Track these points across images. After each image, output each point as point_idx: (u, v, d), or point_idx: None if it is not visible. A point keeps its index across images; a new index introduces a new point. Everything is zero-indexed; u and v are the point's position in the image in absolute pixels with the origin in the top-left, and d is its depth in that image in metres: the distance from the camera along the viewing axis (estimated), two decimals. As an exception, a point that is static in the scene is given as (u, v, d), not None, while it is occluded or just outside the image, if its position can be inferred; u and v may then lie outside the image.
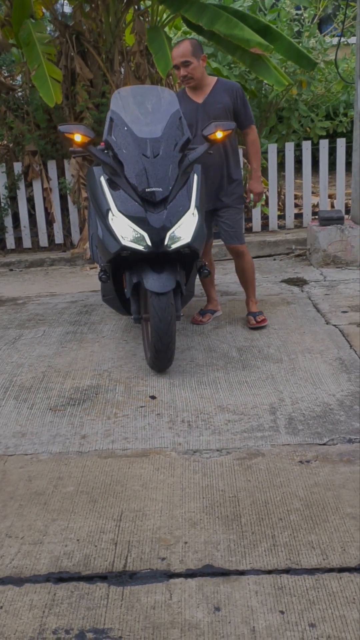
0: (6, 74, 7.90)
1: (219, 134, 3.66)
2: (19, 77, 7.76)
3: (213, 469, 2.75)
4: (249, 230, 6.89)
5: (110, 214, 3.57)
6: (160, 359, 3.62)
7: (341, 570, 2.15)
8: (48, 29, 7.74)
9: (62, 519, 2.47)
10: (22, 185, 6.77)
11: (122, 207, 3.54)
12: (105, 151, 3.76)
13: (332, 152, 7.25)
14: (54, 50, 6.33)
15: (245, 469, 2.74)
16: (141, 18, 6.91)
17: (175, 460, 2.83)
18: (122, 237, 3.53)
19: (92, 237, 4.36)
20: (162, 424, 3.15)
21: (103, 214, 3.61)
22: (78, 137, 3.57)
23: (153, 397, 3.44)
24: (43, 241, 6.91)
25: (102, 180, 3.67)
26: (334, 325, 4.37)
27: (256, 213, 6.89)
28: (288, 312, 4.73)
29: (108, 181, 3.65)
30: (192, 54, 3.98)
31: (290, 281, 5.53)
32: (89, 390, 3.58)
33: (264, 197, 4.37)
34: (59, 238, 6.90)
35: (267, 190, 6.71)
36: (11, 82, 7.76)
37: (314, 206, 7.28)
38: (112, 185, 3.63)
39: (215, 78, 4.19)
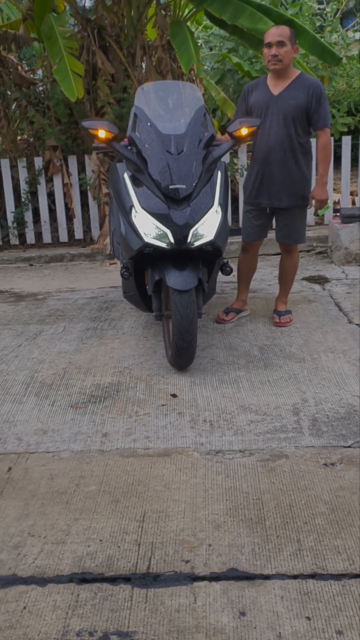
0: (27, 68, 7.88)
1: (244, 131, 3.62)
2: (39, 72, 7.76)
3: (236, 471, 2.72)
4: (270, 227, 6.84)
5: (133, 211, 3.54)
6: (182, 356, 3.59)
7: (368, 576, 2.12)
8: (70, 23, 7.71)
9: (84, 519, 2.46)
10: (42, 180, 6.77)
11: (145, 203, 3.51)
12: (129, 147, 3.73)
13: (354, 148, 7.18)
14: (75, 44, 6.31)
15: (268, 471, 2.71)
16: (163, 12, 6.86)
17: (197, 460, 2.81)
18: (145, 234, 3.50)
19: (113, 233, 4.34)
20: (183, 423, 3.12)
21: (126, 211, 3.59)
22: (102, 133, 3.54)
23: (174, 396, 3.42)
24: (63, 236, 6.91)
25: (126, 176, 3.64)
26: (357, 325, 4.32)
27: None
28: (310, 310, 4.68)
29: (131, 178, 3.63)
30: (288, 38, 3.91)
31: (311, 279, 5.48)
32: (110, 387, 3.56)
33: (329, 205, 4.21)
34: (78, 233, 6.89)
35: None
36: (32, 76, 7.76)
37: (336, 203, 7.21)
38: (136, 181, 3.60)
39: (298, 72, 4.05)
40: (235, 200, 7.02)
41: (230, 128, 3.64)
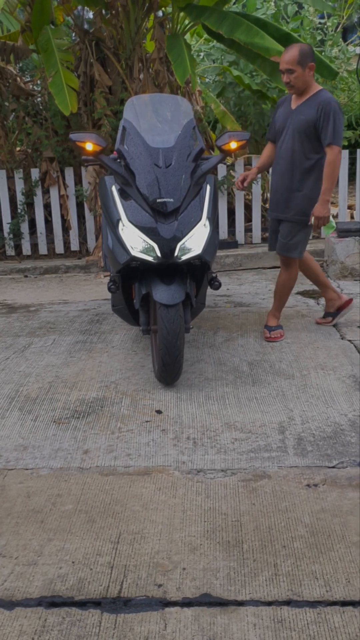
0: (27, 80, 7.90)
1: (233, 145, 3.59)
2: (39, 82, 7.77)
3: (217, 491, 2.66)
4: (263, 238, 6.80)
5: (120, 224, 3.51)
6: (168, 372, 3.54)
7: (344, 604, 2.05)
8: (71, 35, 7.73)
9: (58, 539, 2.40)
10: (39, 191, 6.76)
11: (132, 217, 3.48)
12: (118, 160, 3.71)
13: (353, 162, 7.14)
14: (72, 57, 6.32)
15: (250, 491, 2.65)
16: (162, 25, 6.87)
17: (178, 479, 2.75)
18: (132, 248, 3.47)
19: (103, 246, 4.31)
20: (166, 441, 3.07)
21: (113, 224, 3.56)
22: (89, 146, 3.52)
23: (159, 412, 3.37)
24: (59, 248, 6.89)
25: (114, 189, 3.61)
26: (349, 341, 4.26)
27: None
28: (302, 325, 4.63)
29: (119, 191, 3.60)
30: (297, 62, 3.86)
31: (305, 293, 5.43)
32: (95, 402, 3.51)
33: (333, 224, 4.15)
34: (74, 245, 6.87)
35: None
36: (32, 87, 7.78)
37: (333, 217, 7.16)
38: (124, 195, 3.57)
39: (319, 89, 4.01)
40: (232, 213, 6.99)
41: (219, 142, 3.61)
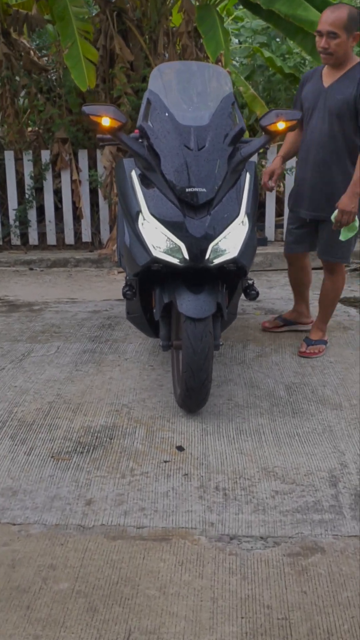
0: (40, 54, 7.26)
1: (281, 125, 2.94)
2: (53, 57, 7.13)
3: (256, 570, 2.06)
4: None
5: (140, 217, 2.89)
6: (192, 398, 2.94)
7: None
8: (91, 4, 7.07)
9: (46, 637, 1.81)
10: (49, 175, 6.13)
11: (155, 209, 2.86)
12: (140, 140, 3.08)
13: None
14: (91, 28, 5.67)
15: (299, 572, 2.05)
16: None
17: (205, 549, 2.15)
18: (154, 247, 2.85)
19: (119, 241, 3.70)
20: (190, 491, 2.46)
21: (132, 217, 2.94)
22: (106, 121, 2.88)
23: (180, 449, 2.76)
24: (69, 238, 6.27)
25: (133, 175, 2.99)
26: None
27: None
28: (345, 340, 4.00)
29: (140, 177, 2.97)
30: (344, 27, 3.21)
31: (346, 301, 4.79)
32: (102, 432, 2.91)
33: (356, 225, 3.44)
34: (86, 236, 6.25)
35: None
36: (46, 61, 7.14)
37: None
38: (145, 182, 2.95)
39: (357, 61, 3.36)
40: (261, 205, 6.35)
41: (265, 121, 2.96)
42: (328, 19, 3.24)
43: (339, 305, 4.65)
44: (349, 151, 3.39)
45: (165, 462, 2.66)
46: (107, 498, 2.42)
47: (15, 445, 2.80)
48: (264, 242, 6.03)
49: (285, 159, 3.77)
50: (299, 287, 4.00)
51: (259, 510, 2.34)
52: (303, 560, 2.09)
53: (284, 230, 5.99)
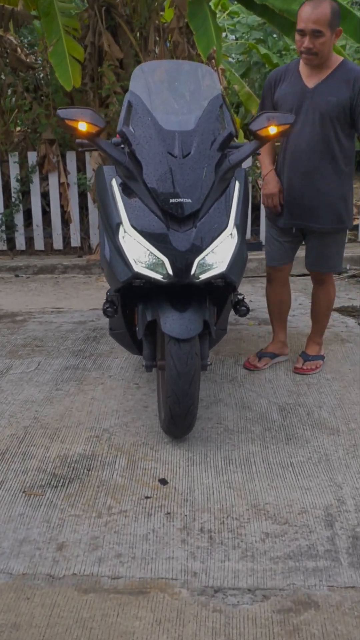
0: (31, 51, 7.03)
1: (272, 129, 2.71)
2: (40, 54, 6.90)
3: (242, 630, 1.84)
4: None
5: (121, 230, 2.67)
6: (177, 425, 2.72)
7: None
8: (77, 0, 6.85)
9: None
10: (36, 178, 5.91)
11: (136, 221, 2.64)
12: (121, 146, 2.86)
13: None
14: (77, 24, 5.44)
15: (289, 633, 1.83)
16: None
17: (186, 605, 1.93)
18: (135, 262, 2.63)
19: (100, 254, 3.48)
20: (172, 533, 2.24)
21: (112, 229, 2.72)
22: (83, 126, 2.65)
23: (164, 482, 2.54)
24: (57, 243, 6.05)
25: (114, 184, 2.76)
26: None
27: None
28: (343, 354, 3.78)
29: (121, 186, 2.75)
30: (328, 24, 2.95)
31: (343, 310, 4.57)
32: (80, 462, 2.69)
33: None
34: (75, 240, 6.03)
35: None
36: (34, 59, 6.91)
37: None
38: (126, 191, 2.73)
39: (340, 59, 3.15)
40: (256, 208, 6.13)
41: (255, 125, 2.73)
42: (310, 16, 2.95)
43: (335, 315, 4.44)
44: (343, 155, 3.17)
45: (147, 498, 2.44)
46: (80, 542, 2.20)
47: (-15, 477, 2.58)
48: (258, 246, 5.80)
49: (271, 163, 3.46)
50: (281, 309, 3.65)
51: (247, 557, 2.12)
52: (295, 618, 1.88)
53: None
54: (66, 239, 6.08)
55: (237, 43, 9.21)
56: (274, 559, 2.12)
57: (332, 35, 3.02)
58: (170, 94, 2.89)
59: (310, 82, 3.13)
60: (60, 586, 2.01)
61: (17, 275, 5.65)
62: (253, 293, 4.99)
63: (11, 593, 1.98)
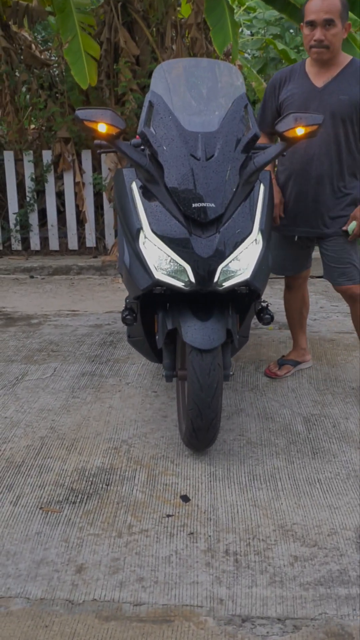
0: (46, 47, 6.94)
1: (300, 130, 2.60)
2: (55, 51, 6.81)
3: (272, 665, 1.74)
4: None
5: (141, 235, 2.57)
6: (199, 439, 2.62)
7: None
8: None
9: None
10: (51, 177, 5.84)
11: (157, 226, 2.53)
12: (141, 148, 2.76)
13: None
14: (93, 21, 5.35)
15: (323, 669, 1.73)
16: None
17: (213, 635, 1.83)
18: (156, 269, 2.53)
19: (118, 260, 3.37)
20: (196, 556, 2.14)
21: (132, 235, 2.62)
22: (103, 127, 2.55)
23: (185, 499, 2.44)
24: (72, 243, 5.97)
25: (134, 187, 2.66)
26: None
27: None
28: (367, 361, 3.66)
29: (142, 189, 2.65)
30: (339, 14, 2.84)
31: (366, 314, 4.44)
32: (98, 476, 2.59)
33: None
34: (90, 241, 5.95)
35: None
36: (49, 55, 6.83)
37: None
38: (147, 195, 2.62)
39: (350, 58, 3.02)
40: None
41: (282, 126, 2.61)
42: (322, 6, 2.83)
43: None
44: (353, 158, 3.04)
45: (168, 516, 2.34)
46: (100, 564, 2.11)
47: (0, 492, 2.49)
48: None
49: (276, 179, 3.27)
50: (300, 317, 3.51)
51: (276, 582, 2.02)
52: (328, 652, 1.78)
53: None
54: (81, 239, 6.00)
55: (253, 39, 9.08)
56: (303, 585, 2.01)
57: (343, 29, 2.90)
58: (193, 94, 2.78)
59: (319, 81, 3.00)
60: (80, 613, 1.91)
61: (32, 277, 5.58)
62: (272, 295, 4.87)
63: (29, 620, 1.89)
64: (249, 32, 9.68)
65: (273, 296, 4.85)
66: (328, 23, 2.84)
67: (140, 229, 2.57)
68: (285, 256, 3.31)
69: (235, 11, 8.75)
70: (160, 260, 2.53)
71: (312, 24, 2.87)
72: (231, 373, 2.71)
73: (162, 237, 2.52)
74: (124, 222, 2.71)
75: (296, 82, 3.05)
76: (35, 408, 3.17)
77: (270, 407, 3.16)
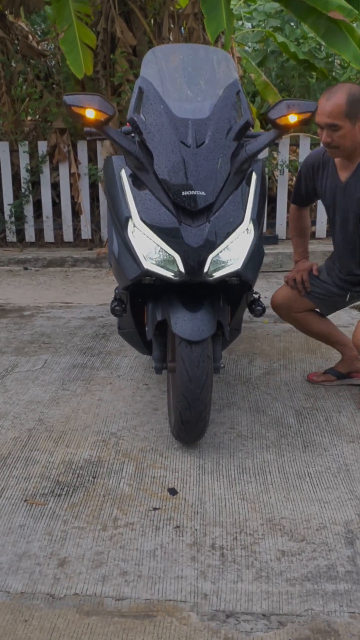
0: (39, 39, 6.87)
1: (293, 118, 2.54)
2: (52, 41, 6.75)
3: (256, 662, 1.70)
4: (312, 236, 5.75)
5: (130, 224, 2.52)
6: (188, 431, 2.57)
7: None
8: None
9: None
10: (46, 168, 5.78)
11: (146, 215, 2.49)
12: (131, 135, 2.71)
13: None
14: (89, 10, 5.29)
15: (308, 666, 1.69)
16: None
17: (195, 631, 1.79)
18: (145, 258, 2.48)
19: (108, 249, 3.33)
20: (181, 549, 2.10)
21: (121, 224, 2.57)
22: (91, 113, 2.50)
23: (173, 492, 2.40)
24: (67, 235, 5.93)
25: (123, 175, 2.61)
26: None
27: (321, 215, 5.76)
28: (362, 355, 3.61)
29: (131, 177, 2.60)
30: (345, 115, 2.66)
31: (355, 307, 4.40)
32: (85, 469, 2.55)
33: None
34: (85, 233, 5.90)
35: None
36: (46, 46, 6.77)
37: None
38: (136, 183, 2.57)
39: None
40: (272, 200, 5.96)
41: (274, 113, 2.55)
42: (325, 109, 2.68)
43: (355, 312, 4.27)
44: None
45: (155, 509, 2.30)
46: (83, 557, 2.07)
47: (-15, 484, 2.45)
48: (274, 240, 5.65)
49: (306, 241, 3.28)
50: (329, 340, 3.32)
51: (262, 578, 1.98)
52: (313, 649, 1.73)
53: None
54: (76, 231, 5.96)
55: (253, 31, 9.00)
56: (290, 580, 1.97)
57: (357, 124, 2.70)
58: (184, 80, 2.73)
59: (343, 175, 2.88)
60: (60, 607, 1.87)
61: (26, 268, 5.53)
62: (268, 289, 4.82)
63: (8, 615, 1.85)
64: (249, 24, 9.60)
65: (269, 289, 4.79)
66: (332, 127, 2.69)
67: (129, 217, 2.53)
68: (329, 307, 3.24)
69: (235, 3, 8.70)
70: (150, 249, 2.48)
71: (319, 126, 2.75)
72: (222, 365, 2.67)
73: (151, 226, 2.47)
74: (113, 211, 2.66)
75: (328, 174, 2.95)
76: (24, 400, 3.12)
77: (262, 400, 3.11)
